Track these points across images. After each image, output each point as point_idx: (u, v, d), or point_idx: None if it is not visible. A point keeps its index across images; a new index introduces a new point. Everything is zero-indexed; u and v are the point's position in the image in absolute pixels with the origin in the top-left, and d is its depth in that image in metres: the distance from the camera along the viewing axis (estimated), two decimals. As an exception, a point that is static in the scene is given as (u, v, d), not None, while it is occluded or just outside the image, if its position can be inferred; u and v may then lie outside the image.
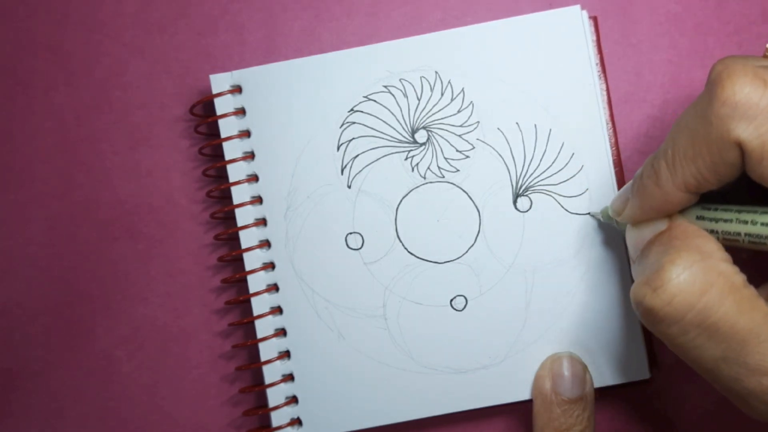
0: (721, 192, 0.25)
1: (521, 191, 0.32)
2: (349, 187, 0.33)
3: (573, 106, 0.32)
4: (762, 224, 0.23)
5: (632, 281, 0.27)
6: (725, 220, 0.24)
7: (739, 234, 0.24)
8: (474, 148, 0.32)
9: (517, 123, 0.32)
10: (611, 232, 0.32)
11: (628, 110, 0.34)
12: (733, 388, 0.23)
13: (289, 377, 0.33)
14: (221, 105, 0.33)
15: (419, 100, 0.33)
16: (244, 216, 0.33)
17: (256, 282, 0.33)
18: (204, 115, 0.35)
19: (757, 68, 0.21)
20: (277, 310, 0.33)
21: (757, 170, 0.21)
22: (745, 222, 0.23)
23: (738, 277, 0.23)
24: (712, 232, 0.24)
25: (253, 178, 0.33)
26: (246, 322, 0.33)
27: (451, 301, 0.33)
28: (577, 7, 0.32)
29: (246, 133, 0.33)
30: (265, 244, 0.33)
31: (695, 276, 0.22)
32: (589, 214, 0.32)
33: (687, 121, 0.23)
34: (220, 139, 0.33)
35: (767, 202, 0.23)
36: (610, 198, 0.31)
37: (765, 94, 0.21)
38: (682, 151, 0.23)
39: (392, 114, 0.33)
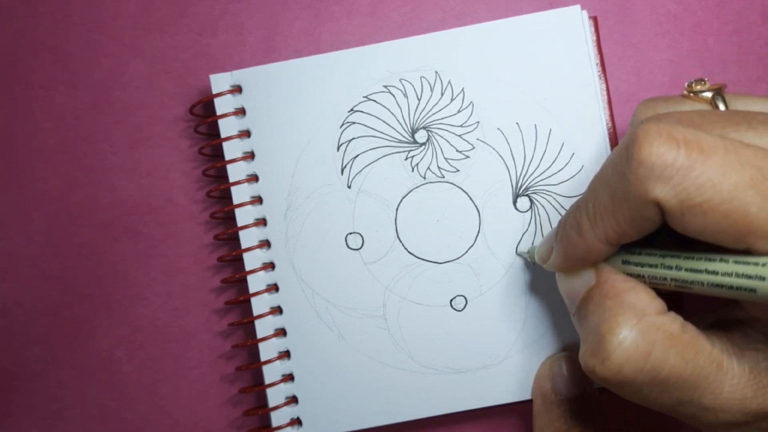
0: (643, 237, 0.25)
1: (521, 191, 0.32)
2: (349, 187, 0.33)
3: (573, 106, 0.32)
4: (686, 269, 0.23)
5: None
6: (650, 265, 0.24)
7: (665, 279, 0.24)
8: (474, 148, 0.32)
9: (517, 123, 0.32)
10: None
11: (628, 110, 0.34)
12: (694, 422, 0.24)
13: (289, 377, 0.33)
14: (221, 105, 0.33)
15: (419, 100, 0.33)
16: (244, 216, 0.33)
17: (256, 282, 0.33)
18: (204, 115, 0.35)
19: (671, 127, 0.22)
20: (277, 310, 0.33)
21: (678, 224, 0.22)
22: (670, 267, 0.24)
23: (675, 326, 0.23)
24: (638, 276, 0.25)
25: (253, 178, 0.33)
26: (246, 322, 0.33)
27: (451, 301, 0.33)
28: (577, 7, 0.32)
29: (246, 133, 0.33)
30: (265, 244, 0.33)
31: (637, 340, 0.23)
32: (517, 253, 0.32)
33: (607, 176, 0.23)
34: (220, 139, 0.33)
35: (687, 245, 0.23)
36: None
37: (679, 154, 0.21)
38: (603, 205, 0.23)
39: (392, 114, 0.33)
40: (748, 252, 0.21)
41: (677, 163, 0.21)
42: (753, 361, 0.23)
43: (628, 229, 0.23)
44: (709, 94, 0.27)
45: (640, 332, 0.23)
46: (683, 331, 0.23)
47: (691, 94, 0.28)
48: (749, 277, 0.21)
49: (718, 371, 0.23)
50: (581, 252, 0.25)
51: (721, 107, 0.26)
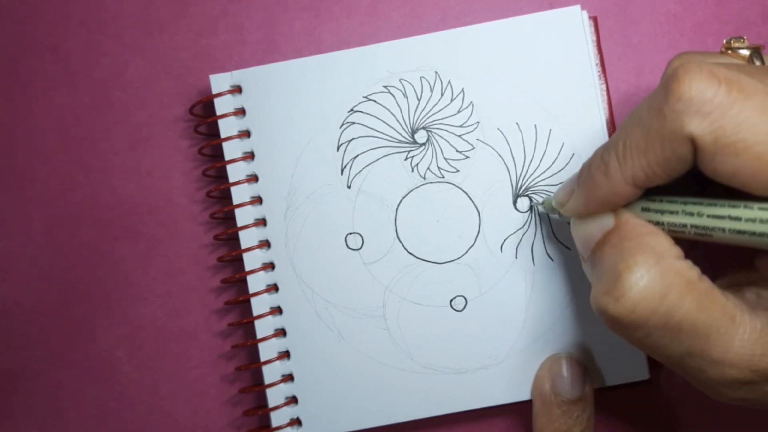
0: (663, 186, 0.25)
1: (521, 191, 0.32)
2: (349, 187, 0.33)
3: (573, 106, 0.32)
4: (708, 216, 0.23)
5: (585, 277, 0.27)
6: (671, 212, 0.24)
7: (685, 226, 0.24)
8: (474, 148, 0.32)
9: (517, 123, 0.32)
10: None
11: (628, 110, 0.34)
12: (698, 378, 0.24)
13: (288, 377, 0.33)
14: (221, 105, 0.33)
15: (419, 100, 0.33)
16: (244, 216, 0.33)
17: (255, 282, 0.33)
18: (204, 115, 0.35)
19: (712, 65, 0.22)
20: (277, 311, 0.33)
21: (709, 165, 0.22)
22: (691, 214, 0.23)
23: (693, 273, 0.23)
24: (657, 224, 0.24)
25: (253, 178, 0.33)
26: (246, 322, 0.33)
27: (451, 301, 0.33)
28: (577, 7, 0.32)
29: (246, 133, 0.33)
30: (265, 244, 0.33)
31: (654, 281, 0.23)
32: (530, 205, 0.32)
33: (641, 114, 0.23)
34: (220, 139, 0.33)
35: (708, 194, 0.24)
36: None
37: (719, 91, 0.21)
38: (635, 143, 0.23)
39: (392, 114, 0.33)
40: None
41: (716, 100, 0.21)
42: (765, 319, 0.23)
43: (657, 169, 0.23)
44: (746, 52, 0.27)
45: (658, 273, 0.23)
46: (700, 279, 0.23)
47: (729, 51, 0.27)
48: None
49: (731, 324, 0.22)
50: (605, 194, 0.25)
51: (758, 64, 0.26)
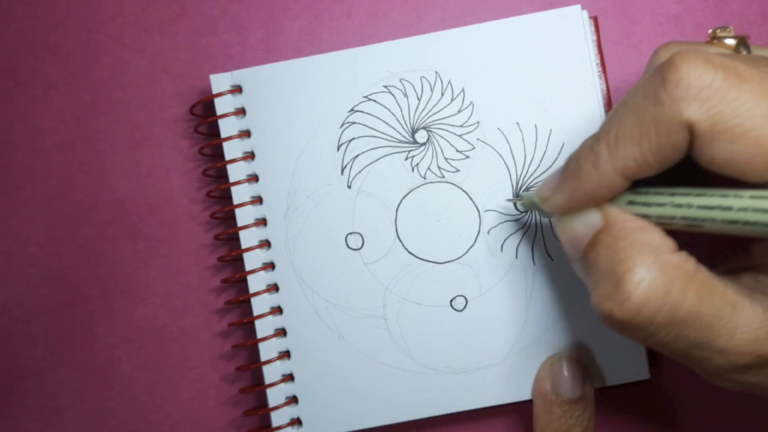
0: (648, 180, 0.24)
1: (521, 191, 0.32)
2: (349, 187, 0.33)
3: (573, 106, 0.32)
4: (698, 207, 0.23)
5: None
6: (659, 205, 0.24)
7: (674, 218, 0.23)
8: (474, 148, 0.32)
9: (517, 123, 0.32)
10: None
11: (628, 110, 0.34)
12: (705, 367, 0.23)
13: (289, 377, 0.33)
14: (221, 105, 0.33)
15: (419, 100, 0.33)
16: (244, 216, 0.33)
17: (256, 282, 0.33)
18: (204, 115, 0.35)
19: (708, 53, 0.22)
20: (277, 310, 0.33)
21: (706, 152, 0.22)
22: (680, 205, 0.23)
23: (690, 264, 0.23)
24: (644, 217, 0.24)
25: (253, 178, 0.33)
26: (246, 322, 0.33)
27: (451, 301, 0.33)
28: (578, 7, 0.32)
29: (246, 133, 0.33)
30: (265, 244, 0.33)
31: (656, 280, 0.22)
32: (507, 200, 0.32)
33: (635, 102, 0.23)
34: (220, 139, 0.33)
35: (696, 184, 0.23)
36: None
37: (717, 76, 0.21)
38: (628, 132, 0.23)
39: (392, 114, 0.33)
40: None
41: (714, 85, 0.21)
42: (765, 303, 0.23)
43: (651, 158, 0.23)
44: (732, 41, 0.27)
45: (658, 271, 0.22)
46: (697, 270, 0.23)
47: (715, 41, 0.27)
48: (766, 211, 0.21)
49: (733, 312, 0.22)
50: (593, 186, 0.24)
51: (744, 54, 0.26)
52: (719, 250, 0.25)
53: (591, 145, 0.24)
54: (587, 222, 0.25)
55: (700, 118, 0.21)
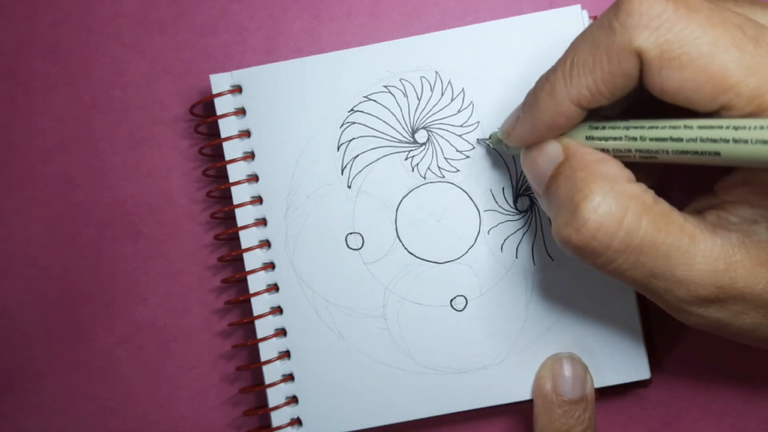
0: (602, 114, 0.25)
1: (521, 191, 0.32)
2: (349, 187, 0.33)
3: (573, 106, 0.32)
4: (651, 139, 0.23)
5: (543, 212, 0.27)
6: (615, 138, 0.24)
7: (630, 150, 0.24)
8: (474, 148, 0.32)
9: (517, 123, 0.32)
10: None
11: (629, 110, 0.34)
12: (667, 300, 0.24)
13: (289, 377, 0.33)
14: (221, 105, 0.33)
15: (419, 100, 0.33)
16: (244, 216, 0.33)
17: (256, 282, 0.33)
18: (204, 115, 0.35)
19: None
20: (277, 310, 0.33)
21: (656, 81, 0.23)
22: (635, 138, 0.24)
23: (647, 195, 0.24)
24: (603, 150, 0.25)
25: (253, 178, 0.33)
26: (246, 322, 0.33)
27: (451, 301, 0.33)
28: (578, 6, 0.32)
29: (246, 133, 0.33)
30: (265, 244, 0.33)
31: (610, 206, 0.23)
32: (477, 140, 0.32)
33: (591, 32, 0.24)
34: (220, 139, 0.33)
35: (650, 116, 0.24)
36: None
37: (667, 7, 0.22)
38: (582, 60, 0.24)
39: (392, 114, 0.33)
40: (719, 114, 0.22)
41: (664, 15, 0.22)
42: (725, 238, 0.24)
43: (603, 87, 0.24)
44: None
45: (613, 197, 0.23)
46: (655, 201, 0.24)
47: None
48: (714, 141, 0.21)
49: (691, 242, 0.23)
50: (550, 116, 0.25)
51: None
52: (686, 191, 0.26)
53: (547, 76, 0.25)
54: (549, 156, 0.26)
55: (650, 46, 0.22)
